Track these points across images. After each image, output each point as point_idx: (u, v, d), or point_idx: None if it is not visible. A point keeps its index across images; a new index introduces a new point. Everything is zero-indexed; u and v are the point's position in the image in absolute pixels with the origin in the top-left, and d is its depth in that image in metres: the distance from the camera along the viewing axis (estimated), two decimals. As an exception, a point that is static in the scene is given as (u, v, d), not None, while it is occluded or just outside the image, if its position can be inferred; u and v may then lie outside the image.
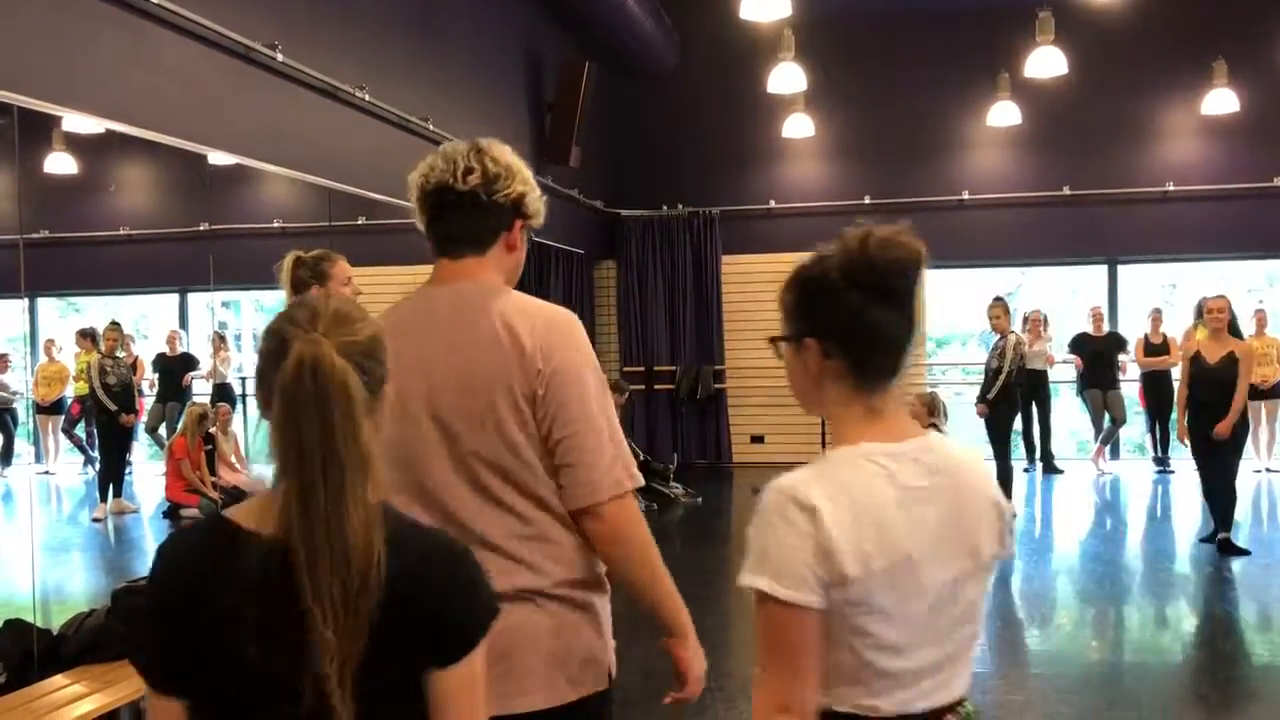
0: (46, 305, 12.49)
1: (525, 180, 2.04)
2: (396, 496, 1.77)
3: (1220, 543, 7.07)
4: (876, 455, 1.50)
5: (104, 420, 9.51)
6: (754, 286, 10.55)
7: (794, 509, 1.44)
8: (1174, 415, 10.72)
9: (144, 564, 7.87)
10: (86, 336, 10.61)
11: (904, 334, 1.52)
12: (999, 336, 8.61)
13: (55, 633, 4.04)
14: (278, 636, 1.31)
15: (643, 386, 11.12)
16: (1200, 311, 9.94)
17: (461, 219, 2.00)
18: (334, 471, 1.31)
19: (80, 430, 11.38)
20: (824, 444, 8.24)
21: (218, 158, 4.89)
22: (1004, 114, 9.71)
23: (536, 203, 2.06)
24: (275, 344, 1.36)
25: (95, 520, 8.96)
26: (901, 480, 1.49)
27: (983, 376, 8.67)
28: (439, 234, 2.02)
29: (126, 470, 9.85)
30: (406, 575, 1.35)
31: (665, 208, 11.09)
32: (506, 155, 2.03)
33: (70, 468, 11.67)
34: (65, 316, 12.71)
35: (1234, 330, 7.24)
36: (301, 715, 1.30)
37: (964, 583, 1.53)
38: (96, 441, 10.47)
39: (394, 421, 1.91)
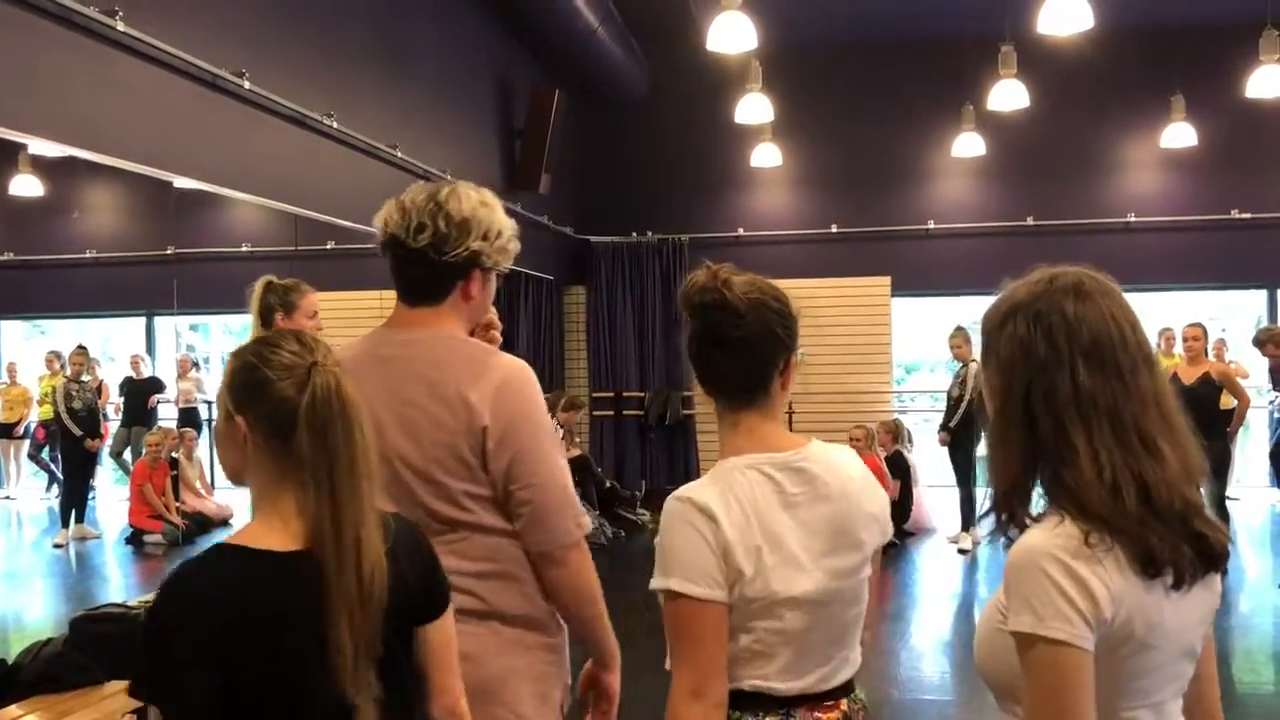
0: (11, 328, 12.40)
1: (483, 234, 2.02)
2: None
3: None
4: (761, 465, 1.72)
5: (68, 445, 9.43)
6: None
7: (698, 515, 1.65)
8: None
9: (105, 591, 7.79)
10: (58, 358, 10.54)
11: (732, 369, 1.75)
12: (961, 365, 8.72)
13: (11, 662, 4.00)
14: (306, 640, 1.44)
15: (611, 412, 11.14)
16: (1159, 340, 10.11)
17: (414, 273, 2.04)
18: (360, 485, 1.48)
19: (45, 454, 11.27)
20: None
21: (184, 182, 4.89)
22: (968, 145, 9.84)
23: (497, 254, 2.06)
24: (278, 371, 1.49)
25: (56, 546, 8.87)
26: (785, 486, 1.71)
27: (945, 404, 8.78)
28: (397, 282, 2.07)
29: (90, 495, 9.75)
30: (402, 561, 1.55)
31: (635, 234, 11.15)
32: (466, 207, 2.02)
33: (32, 492, 11.54)
34: (30, 339, 12.62)
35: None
36: (330, 705, 1.46)
37: (853, 573, 1.75)
38: (60, 466, 10.37)
39: None
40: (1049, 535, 1.35)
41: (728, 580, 1.64)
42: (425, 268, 2.01)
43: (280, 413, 1.48)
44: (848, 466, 1.80)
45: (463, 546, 1.95)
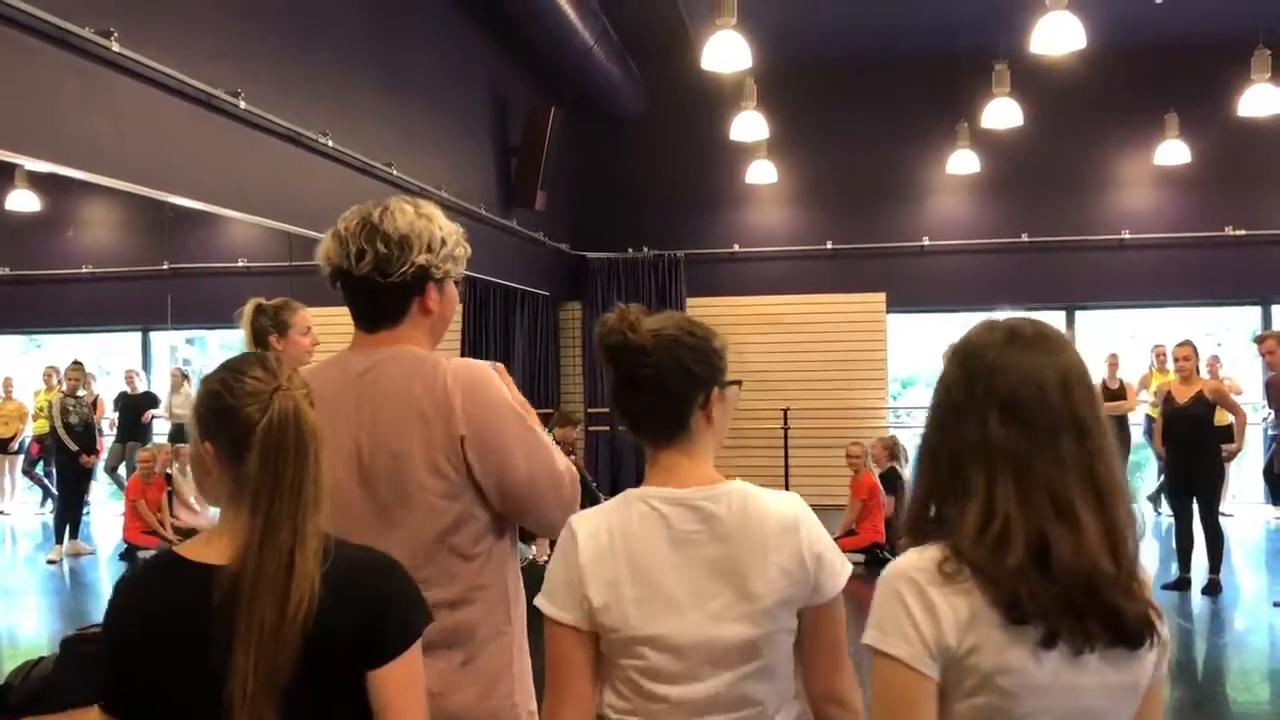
0: (7, 343, 12.39)
1: (426, 245, 1.97)
2: None
3: (1210, 584, 7.24)
4: (651, 498, 1.70)
5: (64, 460, 9.42)
6: (719, 328, 10.43)
7: (567, 537, 1.70)
8: (1135, 458, 10.91)
9: (99, 608, 7.72)
10: (55, 373, 10.52)
11: (642, 407, 1.74)
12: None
13: (1, 682, 4.00)
14: (209, 658, 1.44)
15: (607, 427, 11.13)
16: (1158, 357, 10.14)
17: (365, 301, 2.00)
18: (302, 510, 1.48)
19: (39, 469, 11.24)
20: (786, 484, 8.30)
21: (180, 202, 4.89)
22: (963, 162, 9.88)
23: (446, 262, 2.01)
24: (241, 399, 1.51)
25: (50, 562, 8.85)
26: (674, 522, 1.68)
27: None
28: (351, 311, 2.04)
29: (84, 511, 9.72)
30: (340, 591, 1.49)
31: (631, 250, 11.17)
32: (403, 222, 1.96)
33: (26, 507, 11.53)
34: (27, 353, 12.62)
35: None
36: None
37: (739, 621, 1.66)
38: (54, 481, 10.34)
39: None
40: (914, 557, 1.38)
41: (583, 608, 1.65)
42: (375, 293, 1.97)
43: (242, 437, 1.50)
44: (766, 513, 1.70)
45: (429, 573, 1.91)
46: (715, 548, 1.67)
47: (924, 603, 1.34)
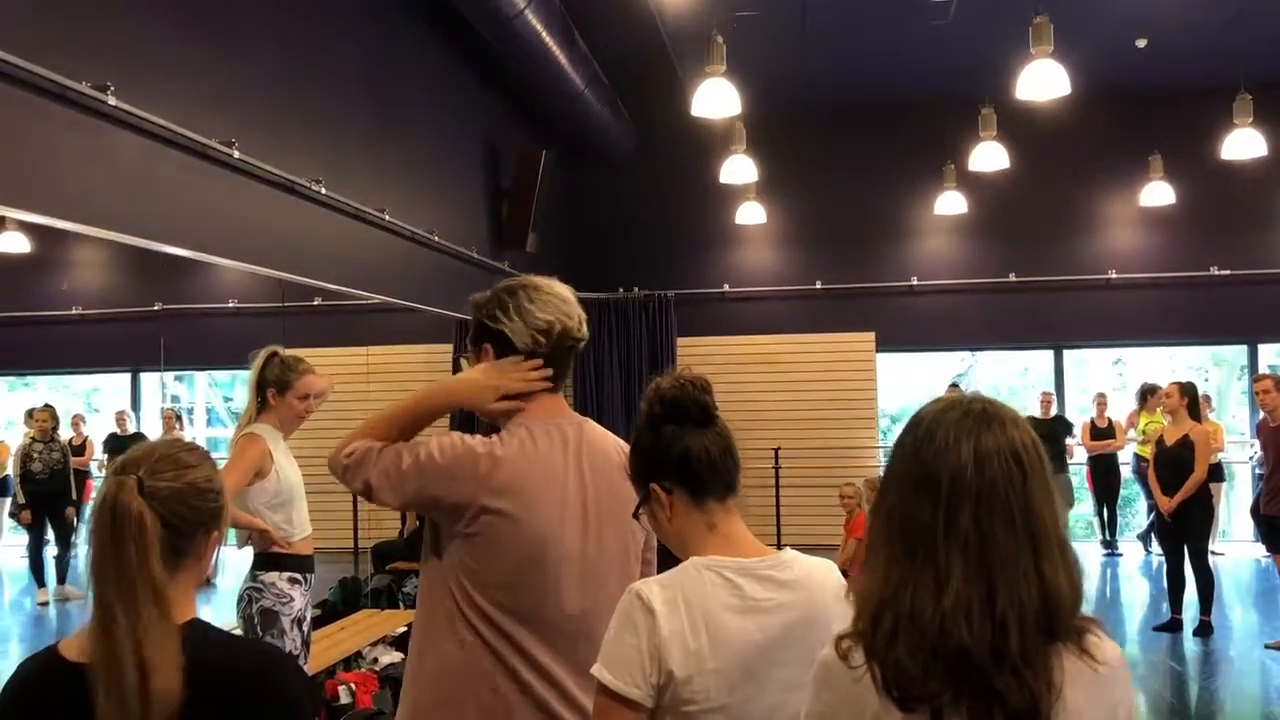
0: (-4, 384, 12.32)
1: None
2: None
3: (1201, 625, 7.25)
4: (721, 568, 1.68)
5: (15, 511, 9.33)
6: (710, 367, 10.57)
7: (639, 610, 1.62)
8: (1122, 497, 10.94)
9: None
10: (31, 415, 10.47)
11: (718, 448, 1.76)
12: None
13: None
14: None
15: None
16: (1143, 396, 10.19)
17: (571, 363, 2.20)
18: (133, 599, 1.43)
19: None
20: (778, 524, 8.33)
21: (175, 251, 4.91)
22: (951, 203, 9.97)
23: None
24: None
25: (41, 605, 8.77)
26: (746, 592, 1.67)
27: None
28: (563, 372, 2.17)
29: (71, 554, 9.65)
30: (212, 686, 1.45)
31: (621, 290, 11.22)
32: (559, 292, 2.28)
33: (13, 550, 11.42)
34: (14, 391, 12.55)
35: (1194, 413, 7.47)
36: None
37: (805, 689, 1.66)
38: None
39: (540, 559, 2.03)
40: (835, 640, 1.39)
41: (654, 681, 1.60)
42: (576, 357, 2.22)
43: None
44: (824, 581, 1.75)
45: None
46: (785, 616, 1.69)
47: (832, 690, 1.37)
